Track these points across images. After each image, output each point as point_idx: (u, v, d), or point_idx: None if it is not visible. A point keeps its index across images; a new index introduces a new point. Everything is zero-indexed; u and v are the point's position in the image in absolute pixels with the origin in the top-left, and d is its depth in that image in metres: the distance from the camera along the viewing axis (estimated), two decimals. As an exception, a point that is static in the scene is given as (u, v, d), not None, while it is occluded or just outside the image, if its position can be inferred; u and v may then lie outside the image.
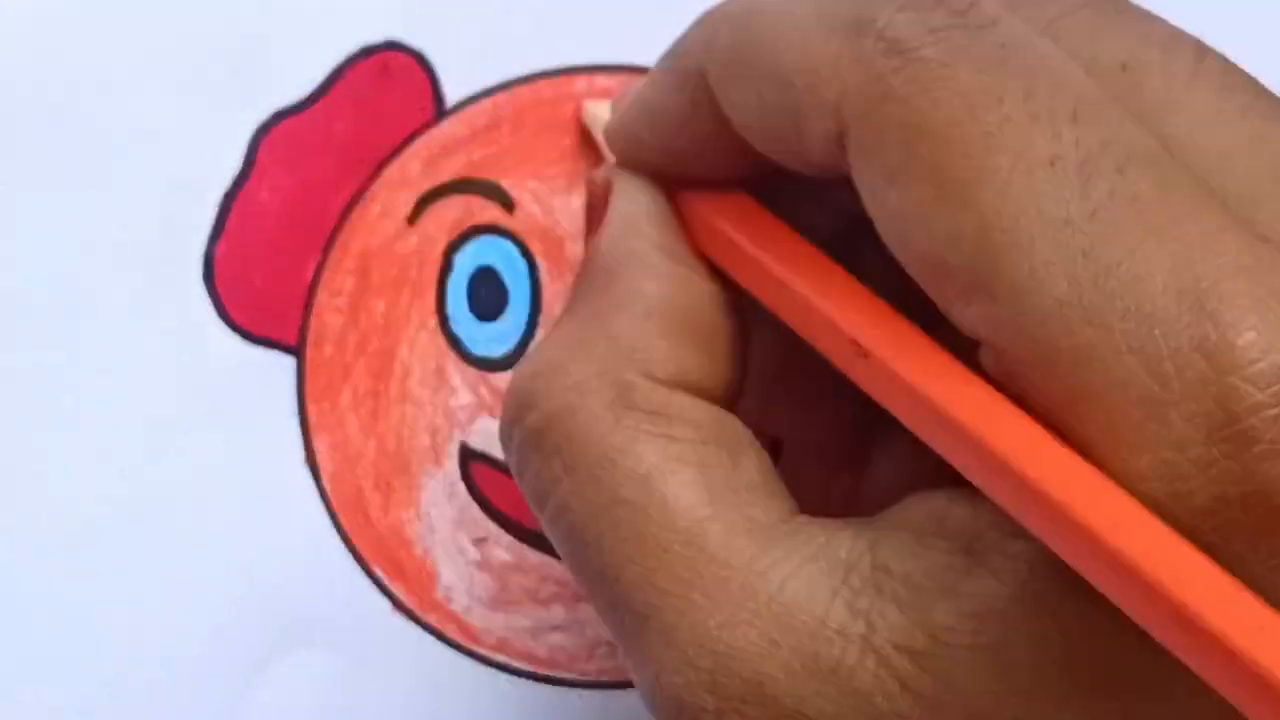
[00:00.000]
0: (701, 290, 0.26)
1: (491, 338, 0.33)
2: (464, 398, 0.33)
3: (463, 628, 0.33)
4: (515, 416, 0.26)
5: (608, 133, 0.30)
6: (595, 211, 0.28)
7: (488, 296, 0.33)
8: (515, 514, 0.33)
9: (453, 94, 0.33)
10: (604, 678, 0.34)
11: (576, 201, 0.34)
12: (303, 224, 0.33)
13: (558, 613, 0.33)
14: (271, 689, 0.33)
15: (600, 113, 0.32)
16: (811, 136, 0.23)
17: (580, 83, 0.33)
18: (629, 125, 0.29)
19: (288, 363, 0.33)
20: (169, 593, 0.32)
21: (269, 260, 0.33)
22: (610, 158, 0.31)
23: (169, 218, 0.32)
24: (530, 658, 0.33)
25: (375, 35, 0.33)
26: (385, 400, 0.33)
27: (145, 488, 0.32)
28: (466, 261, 0.33)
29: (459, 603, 0.33)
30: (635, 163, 0.29)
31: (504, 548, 0.33)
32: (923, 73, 0.21)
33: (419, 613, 0.33)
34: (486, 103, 0.33)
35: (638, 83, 0.29)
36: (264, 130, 0.32)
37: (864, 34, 0.22)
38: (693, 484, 0.24)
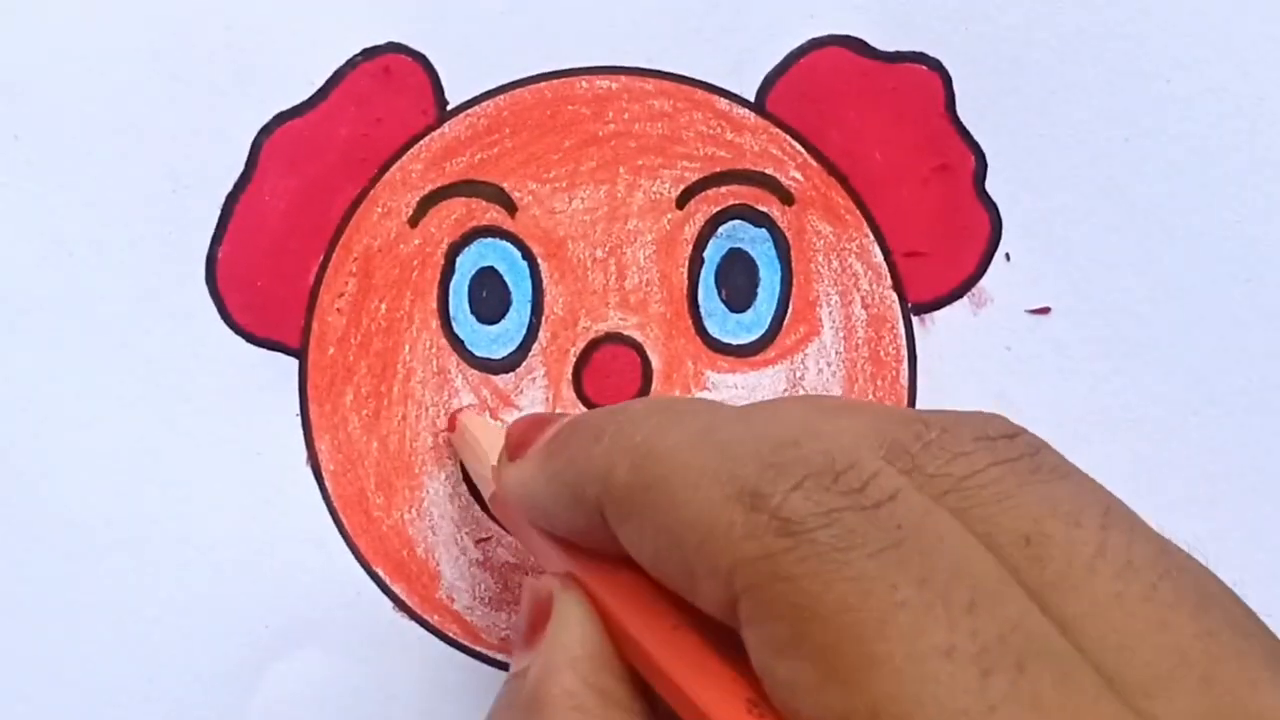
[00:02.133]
0: None
1: (493, 339, 0.34)
2: (466, 399, 0.33)
3: (465, 627, 0.33)
4: None
5: (494, 501, 0.30)
6: (535, 616, 0.27)
7: (489, 298, 0.33)
8: (517, 514, 0.34)
9: (454, 96, 0.33)
10: (605, 677, 0.34)
11: (578, 203, 0.34)
12: (305, 226, 0.33)
13: (559, 612, 0.34)
14: (274, 687, 0.33)
15: (471, 435, 0.32)
16: (703, 594, 0.23)
17: (580, 84, 0.33)
18: (517, 508, 0.29)
19: (290, 364, 0.33)
20: (172, 592, 0.32)
21: (271, 262, 0.33)
22: (487, 487, 0.31)
23: (171, 220, 0.32)
24: (531, 657, 0.34)
25: (377, 37, 0.33)
26: (387, 401, 0.33)
27: (148, 488, 0.32)
28: (468, 263, 0.33)
29: (461, 602, 0.33)
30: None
31: (506, 547, 0.34)
32: (813, 555, 0.21)
33: (421, 612, 0.33)
34: (488, 105, 0.33)
35: (525, 463, 0.28)
36: (266, 132, 0.33)
37: (759, 509, 0.22)
38: None
